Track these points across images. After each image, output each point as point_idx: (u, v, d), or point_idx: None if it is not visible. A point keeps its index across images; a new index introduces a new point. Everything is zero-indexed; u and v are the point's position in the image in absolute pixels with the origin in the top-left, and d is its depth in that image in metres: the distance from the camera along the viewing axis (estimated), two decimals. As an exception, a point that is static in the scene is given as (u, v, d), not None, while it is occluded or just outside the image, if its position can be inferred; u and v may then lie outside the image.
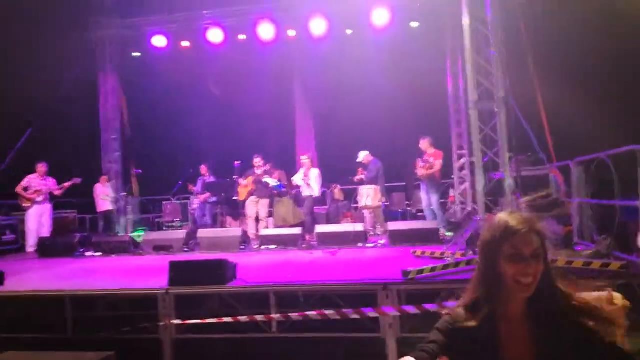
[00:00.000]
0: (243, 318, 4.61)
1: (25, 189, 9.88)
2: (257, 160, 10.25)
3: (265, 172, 10.18)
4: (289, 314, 4.58)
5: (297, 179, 10.31)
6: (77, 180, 10.19)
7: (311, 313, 4.48)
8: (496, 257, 1.63)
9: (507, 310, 1.65)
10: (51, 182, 10.11)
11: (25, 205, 9.89)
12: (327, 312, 4.49)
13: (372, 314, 4.48)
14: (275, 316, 4.66)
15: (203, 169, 11.96)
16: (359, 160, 10.25)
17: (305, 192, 10.17)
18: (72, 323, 5.22)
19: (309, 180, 10.07)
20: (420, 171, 9.62)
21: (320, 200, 11.90)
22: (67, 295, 5.26)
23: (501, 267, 1.61)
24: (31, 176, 9.97)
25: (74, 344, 4.95)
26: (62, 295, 5.30)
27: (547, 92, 8.13)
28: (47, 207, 10.07)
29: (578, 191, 6.89)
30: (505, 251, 1.61)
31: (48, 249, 9.00)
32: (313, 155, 12.44)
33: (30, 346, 4.65)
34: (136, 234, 10.54)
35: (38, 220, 9.89)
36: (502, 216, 1.68)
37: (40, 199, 9.89)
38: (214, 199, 11.49)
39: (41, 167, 10.04)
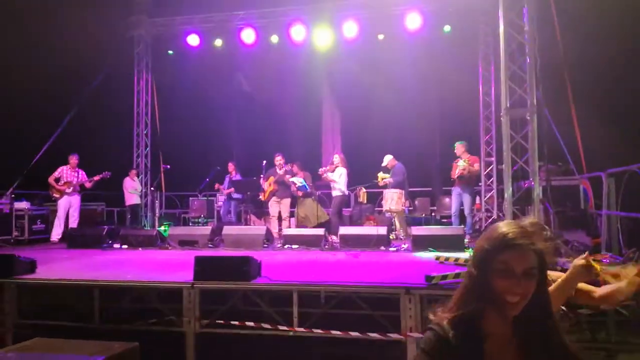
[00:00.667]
0: (266, 326, 4.78)
1: (57, 180, 10.21)
2: (279, 159, 10.37)
3: (287, 172, 10.28)
4: (312, 330, 4.68)
5: (333, 176, 10.33)
6: (107, 174, 10.44)
7: (336, 333, 4.64)
8: (488, 268, 1.49)
9: (494, 327, 1.52)
10: (82, 174, 10.41)
11: (55, 195, 10.22)
12: (352, 333, 4.64)
13: (396, 336, 4.56)
14: (299, 329, 4.73)
15: (230, 166, 12.12)
16: (383, 164, 10.24)
17: (334, 192, 10.23)
18: (99, 313, 5.34)
19: (330, 177, 10.11)
20: (459, 172, 9.51)
21: (345, 203, 11.92)
22: (96, 285, 5.38)
23: (492, 280, 1.48)
24: (63, 167, 10.32)
25: (100, 334, 5.06)
26: (91, 285, 5.42)
27: (580, 102, 8.00)
28: (76, 198, 10.38)
29: (608, 203, 6.77)
30: (497, 264, 1.48)
31: (76, 240, 9.20)
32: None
33: (58, 334, 4.76)
34: (162, 228, 10.71)
35: (66, 211, 10.21)
36: (501, 226, 1.54)
37: (69, 190, 10.21)
38: (238, 195, 11.63)
39: (73, 159, 10.37)
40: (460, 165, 9.52)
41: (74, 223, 10.25)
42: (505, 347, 1.52)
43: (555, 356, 1.52)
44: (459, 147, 9.78)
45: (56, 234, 10.19)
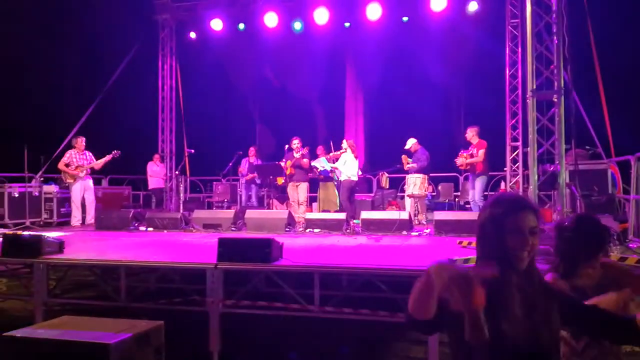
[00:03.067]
0: (291, 306, 4.81)
1: (67, 165, 9.90)
2: (295, 142, 10.33)
3: (304, 156, 10.25)
4: (338, 310, 4.72)
5: (319, 164, 10.31)
6: (116, 154, 10.14)
7: (363, 312, 4.62)
8: (501, 229, 1.75)
9: (506, 278, 1.75)
10: (90, 156, 10.13)
11: (69, 181, 9.94)
12: (381, 312, 4.64)
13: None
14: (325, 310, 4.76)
15: (251, 150, 12.17)
16: (406, 147, 10.15)
17: (341, 177, 10.14)
18: (125, 292, 5.45)
19: (332, 165, 10.08)
20: (460, 161, 9.54)
21: (367, 188, 11.90)
22: (122, 265, 5.49)
23: (504, 239, 1.74)
24: (71, 151, 10.01)
25: (126, 312, 5.17)
26: (117, 264, 5.53)
27: (609, 84, 7.77)
28: (89, 182, 10.12)
29: (637, 187, 6.60)
30: (509, 225, 1.74)
31: (103, 222, 9.37)
32: (360, 141, 12.40)
33: (85, 312, 4.87)
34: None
35: (82, 195, 9.97)
36: (506, 195, 1.91)
37: (82, 174, 9.93)
38: (258, 180, 11.68)
39: (80, 142, 10.05)
40: (459, 162, 9.64)
41: (91, 206, 10.06)
42: (514, 296, 1.75)
43: (551, 303, 1.80)
44: (469, 132, 9.69)
45: (77, 219, 9.96)
